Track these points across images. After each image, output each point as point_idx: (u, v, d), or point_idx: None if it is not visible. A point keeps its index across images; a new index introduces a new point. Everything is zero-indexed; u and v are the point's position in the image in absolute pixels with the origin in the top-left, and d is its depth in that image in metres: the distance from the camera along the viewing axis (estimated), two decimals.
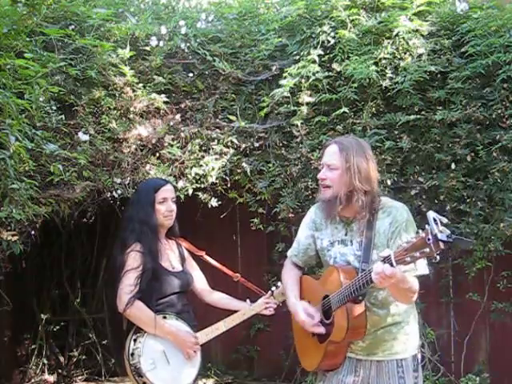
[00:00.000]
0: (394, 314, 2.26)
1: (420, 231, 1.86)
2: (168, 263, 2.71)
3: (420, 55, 3.47)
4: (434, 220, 1.78)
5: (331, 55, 3.62)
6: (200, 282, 2.87)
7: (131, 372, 2.53)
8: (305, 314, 2.29)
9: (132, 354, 2.53)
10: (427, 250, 1.80)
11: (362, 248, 2.23)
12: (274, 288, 2.82)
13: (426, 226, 1.82)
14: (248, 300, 2.85)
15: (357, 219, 2.27)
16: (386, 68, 3.50)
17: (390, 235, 2.21)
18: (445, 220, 1.80)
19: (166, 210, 2.70)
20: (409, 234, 2.18)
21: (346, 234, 2.30)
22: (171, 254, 2.77)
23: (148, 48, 3.71)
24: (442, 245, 1.77)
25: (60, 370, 4.88)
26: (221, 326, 2.74)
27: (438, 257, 1.81)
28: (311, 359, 2.36)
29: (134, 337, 2.56)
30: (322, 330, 2.25)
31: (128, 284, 2.55)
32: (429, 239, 1.78)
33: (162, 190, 2.70)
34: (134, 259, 2.59)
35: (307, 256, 2.45)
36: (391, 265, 1.90)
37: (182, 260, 2.81)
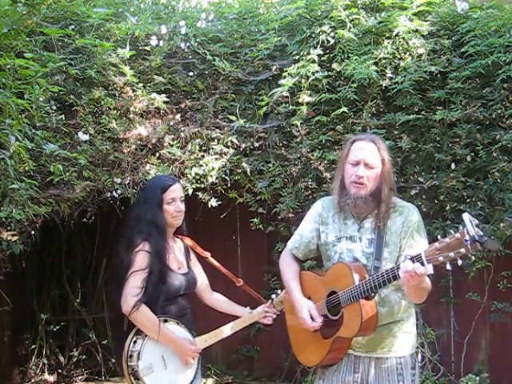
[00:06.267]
0: (394, 312, 2.28)
1: (452, 231, 1.92)
2: (174, 264, 2.67)
3: (420, 55, 3.47)
4: (470, 221, 1.85)
5: (331, 55, 3.63)
6: (202, 283, 2.84)
7: (128, 373, 2.51)
8: (308, 314, 2.29)
9: (131, 356, 2.50)
10: (463, 250, 1.87)
11: (373, 245, 2.25)
12: (273, 296, 2.81)
13: (460, 227, 1.89)
14: (248, 307, 2.84)
15: (370, 217, 2.29)
16: (385, 68, 3.51)
17: (403, 234, 2.25)
18: (476, 221, 1.87)
19: (174, 211, 2.64)
20: (420, 235, 2.26)
21: (358, 231, 2.30)
22: (178, 255, 2.74)
23: (148, 48, 3.71)
24: (479, 245, 1.84)
25: (60, 370, 4.88)
26: (219, 333, 2.72)
27: (472, 257, 1.88)
28: (312, 355, 2.36)
29: (134, 338, 2.54)
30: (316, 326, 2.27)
31: (135, 286, 2.51)
32: (466, 240, 1.85)
33: (169, 191, 2.64)
34: (142, 260, 2.54)
35: (308, 249, 2.45)
36: (421, 263, 1.94)
37: (188, 260, 2.79)
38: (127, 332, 2.57)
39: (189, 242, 2.84)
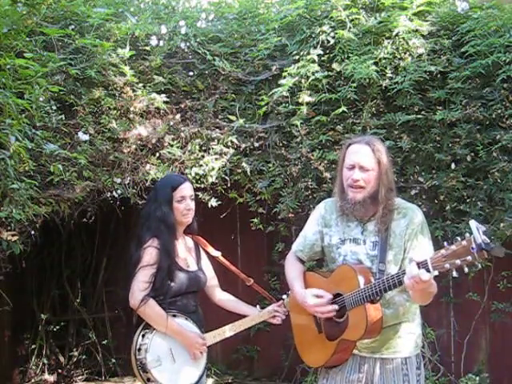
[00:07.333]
0: (399, 314, 2.28)
1: (458, 238, 1.90)
2: (184, 262, 2.69)
3: (420, 55, 3.47)
4: (477, 229, 1.83)
5: (331, 55, 3.62)
6: (212, 281, 2.85)
7: (136, 366, 2.53)
8: (313, 296, 2.28)
9: (139, 349, 2.53)
10: (469, 258, 1.85)
11: (377, 248, 2.25)
12: (284, 296, 2.81)
13: (467, 235, 1.87)
14: (258, 306, 2.84)
15: (373, 219, 2.29)
16: (385, 68, 3.50)
17: (407, 237, 2.24)
18: (484, 228, 1.85)
19: (184, 209, 2.67)
20: (424, 236, 2.24)
21: (361, 233, 2.30)
22: (188, 253, 2.76)
23: (148, 48, 3.71)
24: (485, 254, 1.82)
25: (60, 370, 4.89)
26: (228, 330, 2.72)
27: (479, 265, 1.86)
28: (317, 356, 2.36)
29: (142, 332, 2.57)
30: (335, 307, 2.24)
31: (143, 281, 2.55)
32: (473, 248, 1.83)
33: (179, 189, 2.67)
34: (150, 255, 2.57)
35: (313, 252, 2.46)
36: (427, 270, 1.93)
37: (198, 259, 2.80)
38: (136, 326, 2.59)
39: (199, 240, 2.86)
